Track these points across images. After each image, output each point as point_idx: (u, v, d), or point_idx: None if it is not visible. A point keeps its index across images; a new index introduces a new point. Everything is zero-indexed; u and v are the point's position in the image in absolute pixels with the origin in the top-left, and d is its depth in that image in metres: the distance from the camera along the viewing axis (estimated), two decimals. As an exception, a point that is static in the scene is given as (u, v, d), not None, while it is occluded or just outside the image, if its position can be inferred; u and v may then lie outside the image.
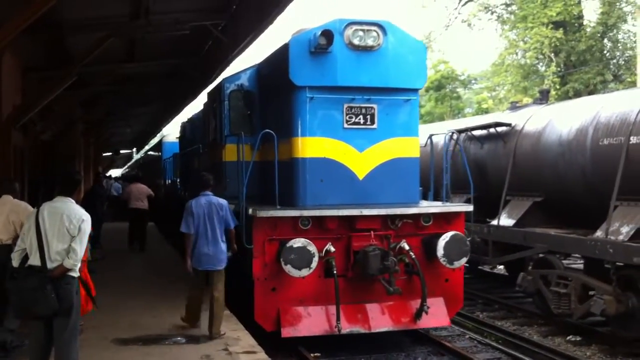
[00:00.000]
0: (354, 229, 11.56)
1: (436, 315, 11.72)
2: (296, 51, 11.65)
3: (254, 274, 11.42)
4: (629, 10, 41.93)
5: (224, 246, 10.80)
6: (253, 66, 13.55)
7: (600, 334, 13.15)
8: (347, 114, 11.87)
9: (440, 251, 11.44)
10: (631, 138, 12.00)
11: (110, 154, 55.97)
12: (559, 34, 40.86)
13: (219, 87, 13.66)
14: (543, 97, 18.06)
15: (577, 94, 38.56)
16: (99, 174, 30.68)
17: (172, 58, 20.21)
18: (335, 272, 11.26)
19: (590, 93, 36.54)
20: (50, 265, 7.16)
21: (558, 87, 41.10)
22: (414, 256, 11.53)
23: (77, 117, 27.42)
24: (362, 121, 11.91)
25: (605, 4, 41.67)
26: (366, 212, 11.42)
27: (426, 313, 11.46)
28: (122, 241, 22.08)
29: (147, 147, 51.72)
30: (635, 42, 39.68)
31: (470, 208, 12.17)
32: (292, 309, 11.41)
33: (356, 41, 11.71)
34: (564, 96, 39.46)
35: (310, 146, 11.77)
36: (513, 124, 16.13)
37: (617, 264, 11.92)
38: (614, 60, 42.70)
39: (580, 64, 41.66)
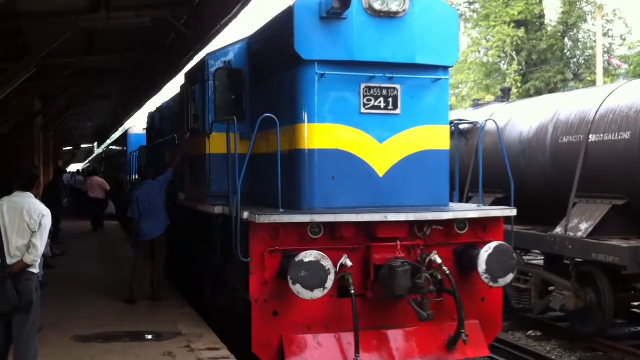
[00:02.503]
0: (375, 237, 8.71)
1: (472, 342, 8.90)
2: (303, 17, 8.75)
3: (251, 294, 8.51)
4: (589, 10, 40.88)
5: (163, 216, 12.25)
6: (243, 40, 10.57)
7: (559, 329, 12.96)
8: (364, 96, 9.00)
9: (481, 266, 8.64)
10: (590, 136, 11.76)
11: (70, 148, 53.16)
12: (521, 32, 39.97)
13: (201, 65, 10.65)
14: (505, 95, 17.85)
15: (538, 92, 37.44)
16: (60, 169, 29.74)
17: (134, 52, 19.05)
18: (352, 291, 8.41)
19: (551, 91, 35.70)
20: (10, 261, 6.90)
21: (520, 85, 39.71)
22: (447, 271, 8.72)
23: (36, 110, 26.13)
24: (382, 105, 9.06)
25: (566, 4, 40.54)
26: (392, 217, 8.56)
27: (464, 342, 8.64)
28: (82, 237, 22.18)
29: (109, 141, 48.33)
30: (595, 41, 38.01)
31: (514, 212, 9.39)
32: (298, 337, 8.53)
33: (377, 5, 8.86)
34: (525, 94, 38.14)
35: (320, 135, 8.89)
36: (475, 122, 13.79)
37: (576, 260, 11.78)
38: (574, 59, 41.32)
39: (541, 62, 40.40)
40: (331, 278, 8.14)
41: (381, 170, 9.05)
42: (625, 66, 40.24)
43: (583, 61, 41.14)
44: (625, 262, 10.52)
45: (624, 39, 42.03)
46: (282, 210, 8.54)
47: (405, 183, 9.12)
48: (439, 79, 9.29)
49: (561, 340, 12.38)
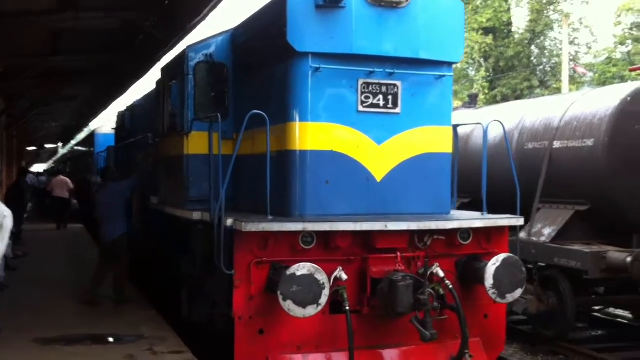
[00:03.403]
0: (373, 248, 7.74)
1: (475, 362, 7.97)
2: (297, 5, 7.76)
3: (234, 310, 7.48)
4: (555, 19, 40.44)
5: (123, 220, 11.77)
6: (226, 32, 9.50)
7: (521, 332, 12.69)
8: (362, 93, 8.03)
9: (489, 280, 7.71)
10: (554, 143, 11.66)
11: (34, 148, 51.45)
12: (489, 39, 39.54)
13: (181, 58, 9.57)
14: (472, 101, 17.68)
15: (505, 99, 36.98)
16: (24, 169, 28.62)
17: (102, 53, 18.10)
18: (347, 307, 7.43)
19: (517, 98, 35.18)
20: None
21: (487, 91, 39.15)
22: (450, 286, 7.78)
23: (-1, 110, 24.99)
24: (381, 103, 8.10)
25: (534, 12, 40.23)
26: (392, 225, 7.59)
27: (468, 363, 7.71)
28: (46, 239, 21.61)
29: (74, 142, 46.72)
30: (561, 49, 37.60)
31: (521, 221, 8.48)
32: (287, 358, 7.52)
33: (379, -7, 7.90)
34: (492, 100, 37.67)
35: (313, 135, 7.90)
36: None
37: (539, 264, 11.68)
38: (541, 67, 40.89)
39: (508, 69, 40.05)
40: (326, 293, 7.15)
41: (379, 174, 8.09)
42: (590, 74, 39.92)
43: (549, 68, 40.84)
44: (586, 266, 10.52)
45: (590, 48, 41.85)
46: (270, 218, 7.52)
47: (404, 189, 8.17)
48: (443, 76, 8.35)
49: (523, 344, 12.15)
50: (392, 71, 8.04)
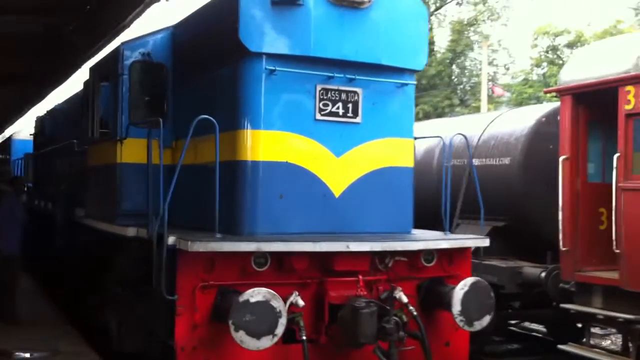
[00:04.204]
0: (331, 270, 6.86)
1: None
2: (251, 0, 6.83)
3: (176, 340, 6.47)
4: (475, 39, 40.48)
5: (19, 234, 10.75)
6: (165, 29, 8.50)
7: None
8: (320, 100, 7.18)
9: (456, 306, 6.93)
10: (473, 160, 10.78)
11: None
12: None
13: (114, 56, 8.50)
14: None
15: (427, 116, 36.62)
16: None
17: (19, 58, 16.23)
18: (304, 337, 6.52)
19: (439, 116, 34.99)
20: None
21: (409, 108, 38.58)
22: (415, 312, 6.97)
23: None
24: (341, 111, 7.27)
25: (455, 32, 40.04)
26: (355, 246, 6.73)
27: (432, 397, 6.90)
28: None
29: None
30: (480, 69, 37.77)
31: (486, 242, 7.76)
32: (235, 394, 6.52)
33: (340, -8, 7.07)
34: (414, 118, 37.16)
35: (266, 144, 6.99)
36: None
37: None
38: (461, 86, 40.90)
39: (430, 87, 39.77)
40: (282, 322, 6.22)
41: (337, 189, 7.24)
42: (507, 94, 40.27)
43: (469, 88, 40.94)
44: (503, 281, 10.27)
45: (508, 68, 42.26)
46: (219, 236, 6.55)
47: (364, 205, 7.36)
48: (406, 84, 7.59)
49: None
50: (352, 77, 7.23)
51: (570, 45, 39.47)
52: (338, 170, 7.23)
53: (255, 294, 6.11)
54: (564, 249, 9.34)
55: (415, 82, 7.76)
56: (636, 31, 32.93)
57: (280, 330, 6.20)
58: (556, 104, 10.79)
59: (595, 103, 9.24)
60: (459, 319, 6.96)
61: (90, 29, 12.77)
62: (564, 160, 9.35)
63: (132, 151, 8.05)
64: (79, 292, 10.98)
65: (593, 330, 10.39)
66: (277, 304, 6.18)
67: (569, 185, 9.35)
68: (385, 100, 7.46)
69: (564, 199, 9.34)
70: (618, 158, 8.55)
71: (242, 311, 6.06)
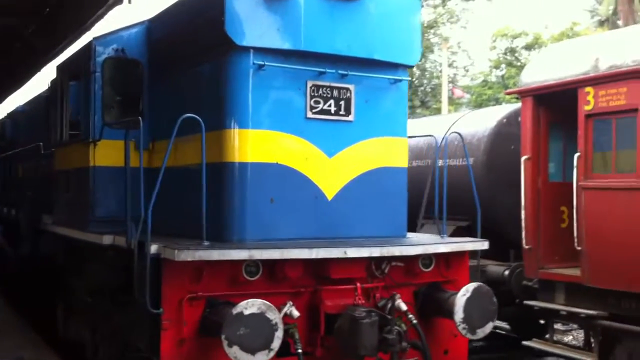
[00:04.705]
0: (326, 278, 6.36)
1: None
2: (237, -9, 6.32)
3: (161, 356, 5.90)
4: (435, 42, 40.33)
5: None
6: (140, 23, 7.91)
7: None
8: (312, 97, 6.68)
9: (458, 314, 6.49)
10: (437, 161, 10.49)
11: None
12: None
13: (85, 52, 7.87)
14: None
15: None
16: None
17: None
18: (300, 350, 6.03)
19: None
20: None
21: (371, 110, 38.28)
22: (414, 321, 6.53)
23: None
24: (333, 109, 6.78)
25: (415, 34, 39.63)
26: (352, 252, 6.24)
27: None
28: None
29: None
30: (440, 71, 37.67)
31: (485, 245, 7.35)
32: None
33: (332, -17, 6.59)
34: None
35: (254, 144, 6.47)
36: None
37: None
38: (422, 88, 40.69)
39: (391, 89, 39.20)
40: (279, 336, 5.70)
41: (330, 191, 6.76)
42: (467, 96, 40.26)
43: (430, 89, 40.80)
44: None
45: (467, 70, 42.26)
46: (206, 243, 6.01)
47: (358, 208, 6.88)
48: (399, 80, 7.14)
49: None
50: (345, 72, 6.75)
51: (528, 48, 39.67)
52: (330, 171, 6.74)
53: (250, 306, 5.59)
54: (526, 247, 9.40)
55: (408, 78, 7.29)
56: (592, 33, 33.18)
57: (276, 344, 5.68)
58: (517, 105, 10.89)
59: (556, 104, 9.29)
60: (461, 327, 6.53)
61: (50, 31, 12.51)
62: (525, 160, 9.42)
63: (106, 153, 7.48)
64: (46, 301, 10.32)
65: (556, 326, 10.44)
66: (273, 316, 5.67)
67: (531, 184, 9.42)
68: (378, 97, 7.00)
69: (526, 198, 9.39)
70: (578, 157, 8.63)
71: (236, 325, 5.53)
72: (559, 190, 9.36)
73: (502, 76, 40.48)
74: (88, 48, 7.72)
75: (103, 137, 7.36)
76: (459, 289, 6.80)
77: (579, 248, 8.59)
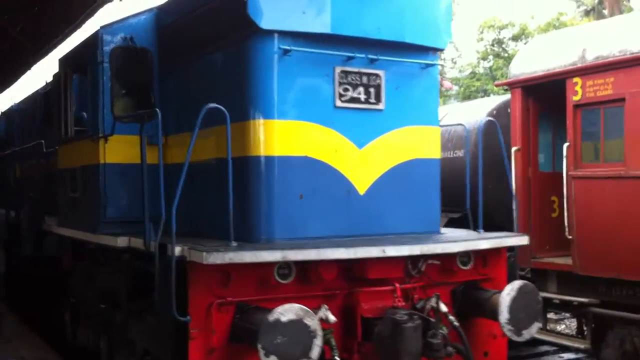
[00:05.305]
0: (361, 279, 5.82)
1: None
2: (259, -31, 5.75)
3: (189, 368, 5.32)
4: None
5: None
6: (149, 10, 7.32)
7: None
8: (340, 84, 6.12)
9: (504, 314, 5.97)
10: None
11: None
12: None
13: (92, 42, 7.26)
14: None
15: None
16: None
17: None
18: (337, 357, 5.48)
19: None
20: None
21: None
22: (456, 323, 6.01)
23: None
24: (362, 97, 6.23)
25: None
26: (392, 251, 5.69)
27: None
28: None
29: None
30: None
31: (526, 240, 6.82)
32: None
33: (361, -40, 6.03)
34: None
35: (281, 136, 5.91)
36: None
37: None
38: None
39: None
40: (318, 344, 5.16)
41: (362, 185, 6.21)
42: (455, 87, 39.78)
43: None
44: None
45: (455, 62, 41.74)
46: (234, 244, 5.45)
47: (390, 203, 6.35)
48: (430, 65, 6.59)
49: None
50: (375, 57, 6.20)
51: (515, 38, 39.23)
52: (361, 164, 6.20)
53: (287, 312, 5.04)
54: None
55: (439, 63, 6.75)
56: (578, 23, 32.83)
57: (316, 353, 5.13)
58: (506, 96, 10.72)
59: (544, 95, 9.25)
60: (507, 328, 6.00)
61: (39, 30, 12.24)
62: (516, 151, 9.37)
63: (117, 149, 6.91)
64: (50, 304, 9.73)
65: (549, 315, 10.41)
66: (312, 322, 5.12)
67: (522, 175, 9.40)
68: (409, 84, 6.46)
69: (517, 189, 9.27)
70: (568, 147, 8.64)
71: (273, 333, 4.98)
72: (549, 180, 9.35)
73: (490, 67, 40.02)
74: (95, 37, 7.12)
75: (117, 133, 6.75)
76: (498, 288, 6.32)
77: (569, 237, 8.57)
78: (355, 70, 6.17)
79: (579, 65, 8.49)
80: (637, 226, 7.80)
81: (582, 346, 8.94)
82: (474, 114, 10.88)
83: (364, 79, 6.21)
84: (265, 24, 5.78)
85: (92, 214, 7.14)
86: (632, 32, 8.21)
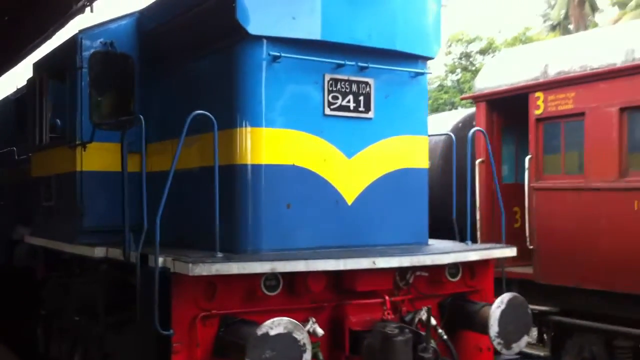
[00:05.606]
0: (349, 291, 5.64)
1: None
2: (249, -25, 5.57)
3: (173, 384, 5.08)
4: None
5: None
6: (130, 15, 7.08)
7: None
8: (329, 92, 5.95)
9: (493, 327, 5.83)
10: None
11: None
12: None
13: (70, 47, 6.99)
14: None
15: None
16: None
17: None
18: (325, 373, 5.31)
19: None
20: None
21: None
22: (445, 336, 5.86)
23: None
24: (352, 105, 6.06)
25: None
26: (382, 262, 5.53)
27: None
28: None
29: None
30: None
31: (514, 252, 6.70)
32: None
33: (351, -35, 5.88)
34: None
35: (269, 144, 5.71)
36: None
37: None
38: (380, 93, 40.15)
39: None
40: (307, 358, 4.95)
41: (349, 195, 6.04)
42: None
43: (388, 94, 40.32)
44: None
45: (424, 76, 41.81)
46: (220, 255, 5.24)
47: (379, 213, 6.18)
48: (420, 74, 6.47)
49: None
50: (365, 65, 6.04)
51: (483, 52, 39.47)
52: (350, 173, 6.03)
53: (276, 325, 4.83)
54: None
55: (429, 72, 6.63)
56: (544, 38, 33.18)
57: (305, 368, 4.94)
58: (472, 109, 10.86)
59: (508, 109, 9.44)
60: (496, 342, 5.86)
61: (9, 41, 11.79)
62: (480, 162, 9.53)
63: (95, 157, 6.65)
64: (21, 316, 9.38)
65: None
66: (301, 336, 4.92)
67: (485, 186, 9.53)
68: (398, 92, 6.31)
69: (480, 200, 9.52)
70: (530, 160, 8.85)
71: (261, 347, 4.77)
72: (512, 191, 9.46)
73: (458, 80, 40.25)
74: (73, 42, 6.86)
75: (95, 140, 6.49)
76: (485, 299, 6.21)
77: (531, 247, 8.73)
78: (345, 77, 6.01)
79: (541, 80, 8.67)
80: (596, 236, 8.01)
81: (542, 354, 9.02)
82: (440, 126, 10.96)
83: (354, 87, 6.05)
84: (253, 29, 5.60)
85: (68, 223, 6.87)
86: (593, 49, 8.39)
